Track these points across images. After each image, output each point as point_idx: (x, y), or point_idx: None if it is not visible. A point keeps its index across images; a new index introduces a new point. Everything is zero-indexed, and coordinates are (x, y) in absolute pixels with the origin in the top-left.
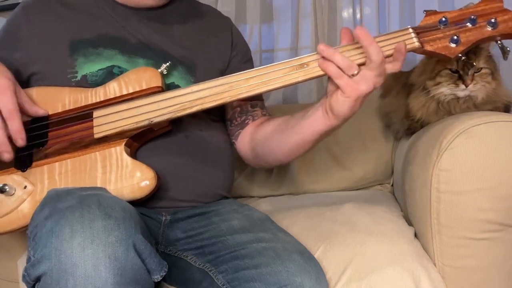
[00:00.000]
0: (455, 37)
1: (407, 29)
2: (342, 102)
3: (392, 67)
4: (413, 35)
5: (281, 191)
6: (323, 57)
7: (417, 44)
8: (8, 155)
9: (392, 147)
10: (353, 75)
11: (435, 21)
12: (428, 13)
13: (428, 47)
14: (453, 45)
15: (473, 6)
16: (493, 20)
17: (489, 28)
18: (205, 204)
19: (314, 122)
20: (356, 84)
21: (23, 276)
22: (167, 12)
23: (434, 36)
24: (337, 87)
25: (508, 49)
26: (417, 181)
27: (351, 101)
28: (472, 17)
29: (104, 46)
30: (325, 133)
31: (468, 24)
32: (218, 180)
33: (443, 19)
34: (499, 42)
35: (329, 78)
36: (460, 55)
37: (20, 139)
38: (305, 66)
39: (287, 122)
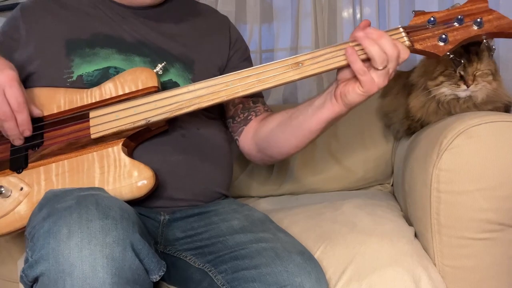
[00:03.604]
0: (444, 36)
1: (398, 28)
2: (357, 95)
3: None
4: (403, 34)
5: (281, 191)
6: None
7: (407, 43)
8: (20, 141)
9: (392, 147)
10: (378, 69)
11: (424, 21)
12: (417, 13)
13: (418, 46)
14: (441, 43)
15: (459, 6)
16: (478, 20)
17: (475, 27)
18: (204, 203)
19: (322, 110)
20: (377, 79)
21: (21, 277)
22: (163, 11)
23: (424, 35)
24: (353, 78)
25: (494, 47)
26: (417, 181)
27: (366, 95)
28: (459, 17)
29: (100, 45)
30: (332, 121)
31: (455, 23)
32: (217, 178)
33: (432, 19)
34: (484, 41)
35: (341, 69)
36: (448, 53)
37: (27, 130)
38: (300, 65)
39: (291, 114)
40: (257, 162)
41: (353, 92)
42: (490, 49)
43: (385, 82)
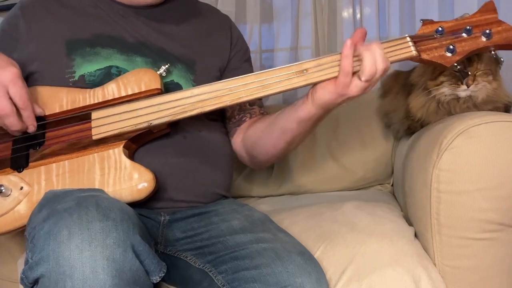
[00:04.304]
0: (451, 47)
1: (405, 37)
2: (326, 92)
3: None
4: (410, 43)
5: (281, 191)
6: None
7: (414, 52)
8: (18, 133)
9: (392, 147)
10: (361, 79)
11: (431, 31)
12: (425, 22)
13: (425, 56)
14: (449, 54)
15: (468, 17)
16: (487, 31)
17: (484, 39)
18: (204, 204)
19: (295, 107)
20: (354, 87)
21: (21, 278)
22: (165, 11)
23: (431, 45)
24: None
25: (502, 59)
26: (417, 181)
27: (335, 97)
28: (468, 27)
29: (101, 45)
30: (302, 121)
31: (463, 34)
32: (217, 179)
33: (440, 28)
34: (493, 52)
35: None
36: (455, 64)
37: (32, 126)
38: (305, 71)
39: (274, 114)
40: (248, 164)
41: (323, 88)
42: (498, 62)
43: (361, 92)
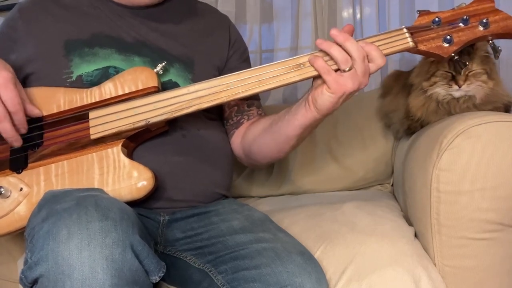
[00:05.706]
0: (448, 37)
1: (402, 29)
2: (326, 97)
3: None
4: (407, 35)
5: (281, 191)
6: (320, 50)
7: (411, 44)
8: (18, 143)
9: (392, 147)
10: (344, 70)
11: (428, 21)
12: (422, 13)
13: (422, 47)
14: (446, 44)
15: (465, 6)
16: (485, 20)
17: (481, 28)
18: (204, 204)
19: (296, 116)
20: (344, 81)
21: (20, 278)
22: (163, 11)
23: (428, 36)
24: (323, 81)
25: (499, 48)
26: (417, 181)
27: (335, 97)
28: (465, 17)
29: (100, 45)
30: (307, 127)
31: (460, 24)
32: (217, 179)
33: (436, 19)
34: (490, 42)
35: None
36: (453, 54)
37: (23, 129)
38: (302, 66)
39: (273, 120)
40: (247, 165)
41: (322, 94)
42: (496, 51)
43: (355, 85)
